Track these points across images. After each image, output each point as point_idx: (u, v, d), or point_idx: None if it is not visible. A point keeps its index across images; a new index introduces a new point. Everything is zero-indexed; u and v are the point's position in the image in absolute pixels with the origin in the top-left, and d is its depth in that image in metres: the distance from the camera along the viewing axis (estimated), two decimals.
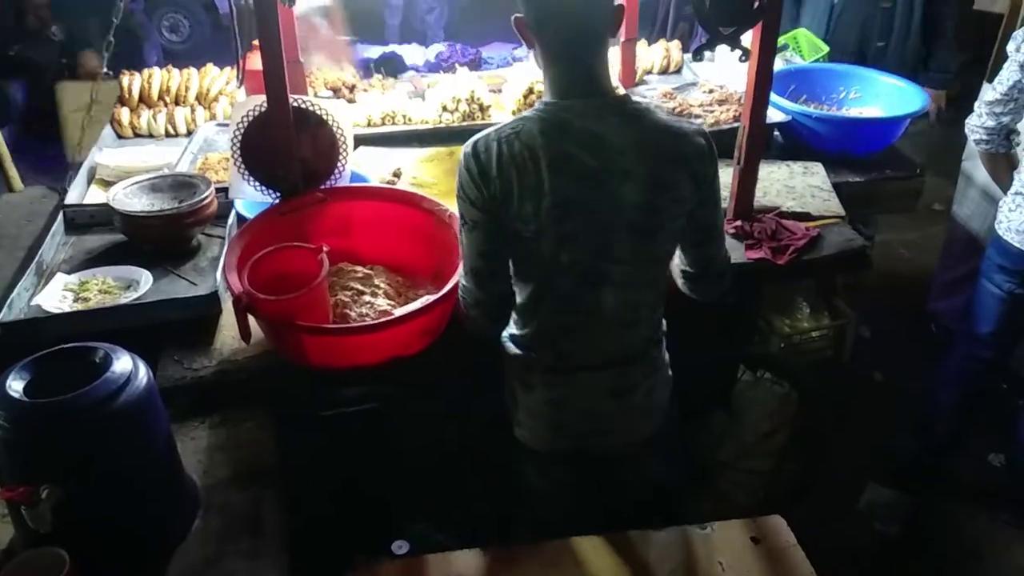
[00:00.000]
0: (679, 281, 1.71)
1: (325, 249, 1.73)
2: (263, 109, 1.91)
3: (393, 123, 2.71)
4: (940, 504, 2.76)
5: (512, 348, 1.67)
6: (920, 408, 2.76)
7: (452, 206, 1.96)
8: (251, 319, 1.66)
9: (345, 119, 2.03)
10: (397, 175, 2.50)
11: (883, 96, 2.74)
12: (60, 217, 2.21)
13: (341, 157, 2.03)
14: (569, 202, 1.45)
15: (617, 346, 1.62)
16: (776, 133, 2.67)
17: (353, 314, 1.81)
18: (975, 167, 2.88)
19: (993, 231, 2.45)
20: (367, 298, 1.86)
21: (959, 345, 2.64)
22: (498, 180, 1.44)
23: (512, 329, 1.67)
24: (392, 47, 3.74)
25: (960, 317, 2.63)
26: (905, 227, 3.95)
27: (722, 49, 1.96)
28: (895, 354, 3.22)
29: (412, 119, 2.72)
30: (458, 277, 1.65)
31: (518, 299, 1.61)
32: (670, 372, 1.75)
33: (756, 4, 1.88)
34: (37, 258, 2.00)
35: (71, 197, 2.33)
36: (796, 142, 2.63)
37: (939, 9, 3.20)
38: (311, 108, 1.97)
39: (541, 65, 1.50)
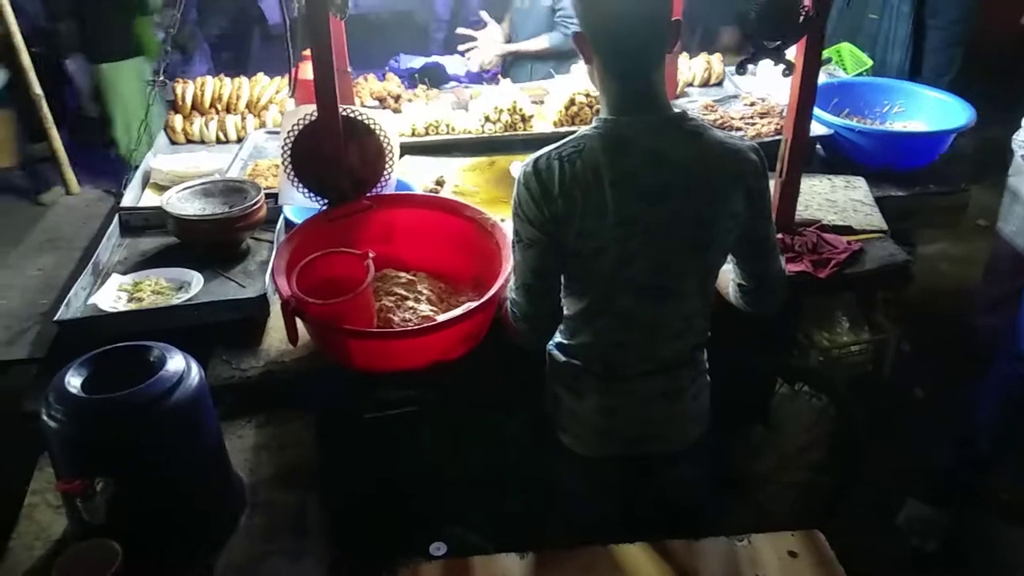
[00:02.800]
0: (735, 295, 1.72)
1: (371, 255, 1.77)
2: (313, 118, 1.95)
3: (437, 133, 2.76)
4: (978, 521, 2.72)
5: (560, 356, 1.69)
6: (960, 425, 2.72)
7: (494, 214, 2.00)
8: (299, 322, 1.71)
9: (392, 129, 2.07)
10: (440, 183, 2.54)
11: (927, 110, 2.72)
12: (116, 219, 2.29)
13: (387, 166, 2.07)
14: (632, 220, 1.46)
15: (668, 353, 1.65)
16: (818, 147, 2.66)
17: (396, 319, 1.85)
18: (1021, 183, 2.84)
19: None
20: (410, 303, 1.89)
21: (1001, 363, 2.60)
22: (560, 200, 1.44)
23: (560, 338, 1.68)
24: (435, 57, 3.79)
25: (1003, 334, 2.58)
26: (947, 242, 3.90)
27: (764, 62, 1.97)
28: (936, 370, 3.17)
29: (455, 129, 2.77)
30: (505, 289, 1.68)
31: (570, 311, 1.62)
32: (709, 377, 1.76)
33: (802, 18, 1.89)
34: (93, 259, 2.08)
35: (126, 200, 2.41)
36: (838, 156, 2.62)
37: (931, 21, 3.22)
38: (359, 118, 2.01)
39: (598, 80, 1.50)
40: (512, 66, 3.65)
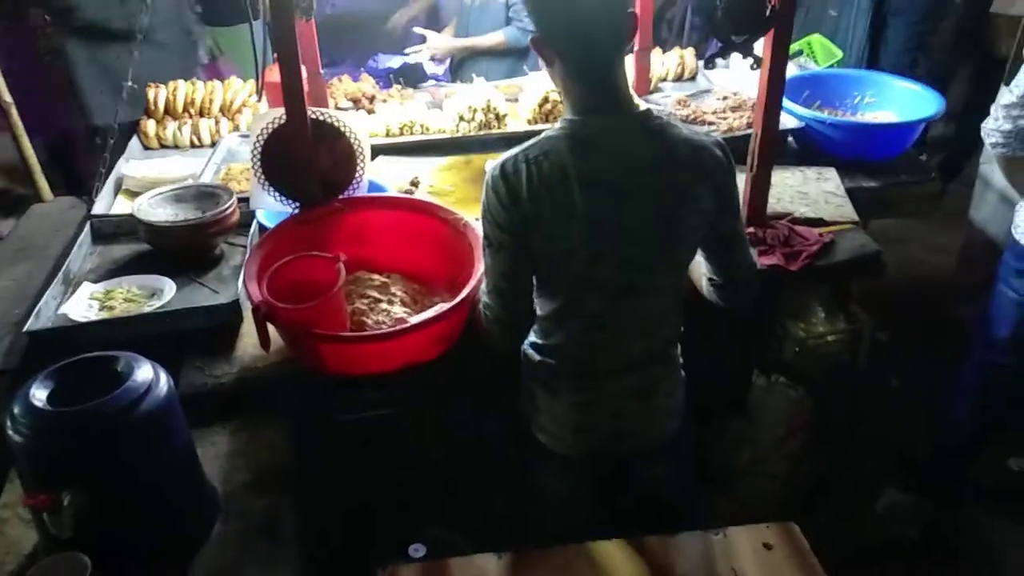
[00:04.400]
0: (707, 290, 1.73)
1: (342, 258, 1.77)
2: (282, 121, 1.95)
3: (411, 133, 2.75)
4: (960, 509, 2.75)
5: (534, 355, 1.70)
6: (938, 413, 2.75)
7: (469, 214, 2.00)
8: (271, 327, 1.70)
9: (362, 130, 2.07)
10: (415, 184, 2.54)
11: (898, 101, 2.73)
12: (87, 227, 2.27)
13: (359, 167, 2.07)
14: (601, 220, 1.47)
15: (641, 350, 1.65)
16: (790, 139, 2.67)
17: (370, 321, 1.85)
18: (992, 171, 2.86)
19: (1010, 235, 2.44)
20: (384, 306, 1.89)
21: (977, 351, 2.63)
22: (529, 202, 1.44)
23: (534, 338, 1.69)
24: (409, 58, 3.78)
25: (978, 323, 2.61)
26: (924, 231, 3.93)
27: (736, 56, 1.98)
28: (913, 359, 3.20)
29: (430, 129, 2.76)
30: (479, 291, 1.68)
31: (542, 311, 1.62)
32: (683, 372, 1.77)
33: (768, 12, 1.90)
34: (64, 267, 2.06)
35: (98, 208, 2.39)
36: (810, 148, 2.63)
37: (892, 19, 3.26)
38: (329, 120, 2.01)
39: (560, 81, 1.50)
40: (463, 65, 3.64)
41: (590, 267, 1.51)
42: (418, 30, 3.66)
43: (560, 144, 1.45)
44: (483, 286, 1.62)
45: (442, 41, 3.58)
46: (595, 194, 1.45)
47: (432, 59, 3.58)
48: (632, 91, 1.53)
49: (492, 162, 2.51)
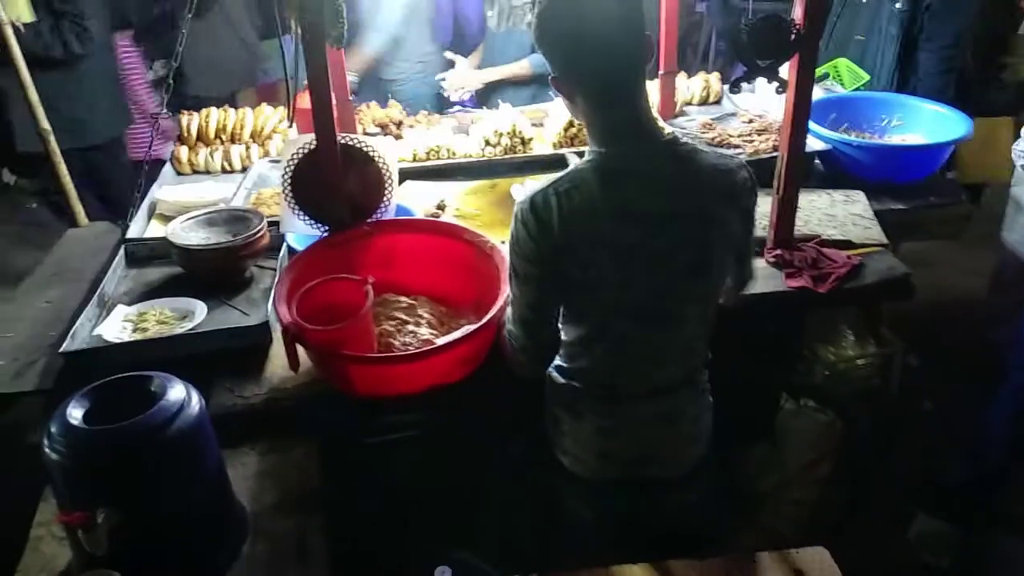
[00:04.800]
0: None
1: (370, 281, 1.79)
2: (312, 147, 1.98)
3: (438, 158, 2.78)
4: (991, 537, 2.69)
5: (559, 378, 1.70)
6: (971, 439, 2.71)
7: (495, 237, 2.02)
8: (300, 348, 1.72)
9: (390, 155, 2.10)
10: (442, 208, 2.56)
11: (925, 123, 2.72)
12: (121, 251, 2.32)
13: (387, 192, 2.09)
14: (632, 249, 1.47)
15: (668, 376, 1.65)
16: (817, 162, 2.67)
17: (397, 343, 1.86)
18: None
19: None
20: (410, 327, 1.91)
21: (1011, 375, 2.59)
22: (560, 234, 1.44)
23: (559, 361, 1.69)
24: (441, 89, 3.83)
25: (1011, 346, 2.57)
26: (955, 255, 3.88)
27: (762, 80, 1.99)
28: (945, 383, 3.15)
29: (456, 153, 2.79)
30: (504, 316, 1.69)
31: (568, 336, 1.62)
32: (711, 398, 1.76)
33: (793, 36, 1.91)
34: (99, 290, 2.11)
35: (132, 232, 2.43)
36: (838, 171, 2.62)
37: (926, 44, 3.25)
38: (358, 145, 2.04)
39: (583, 115, 1.51)
40: (489, 94, 3.65)
41: (620, 295, 1.51)
42: (448, 55, 3.70)
43: (589, 176, 1.45)
44: (508, 314, 1.62)
45: (470, 77, 3.61)
46: (626, 224, 1.45)
47: (459, 102, 3.62)
48: (658, 115, 1.53)
49: (520, 194, 2.54)
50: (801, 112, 2.02)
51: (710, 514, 1.86)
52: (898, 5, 3.26)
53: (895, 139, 2.78)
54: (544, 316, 1.56)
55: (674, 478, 1.74)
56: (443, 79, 3.62)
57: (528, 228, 1.46)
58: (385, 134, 2.99)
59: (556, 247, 1.45)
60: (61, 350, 1.86)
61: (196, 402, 1.45)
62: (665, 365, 1.63)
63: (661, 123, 1.52)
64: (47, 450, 1.35)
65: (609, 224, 1.45)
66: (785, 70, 1.99)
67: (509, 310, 1.61)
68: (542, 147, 2.83)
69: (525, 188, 2.41)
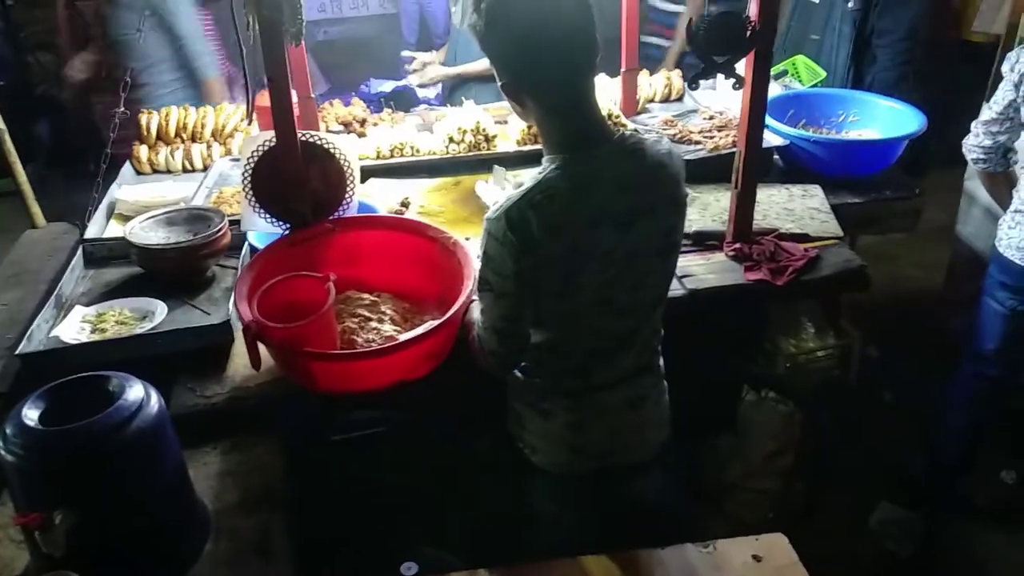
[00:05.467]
0: None
1: (332, 278, 1.78)
2: (272, 144, 1.97)
3: (402, 155, 2.78)
4: (952, 523, 2.75)
5: (522, 376, 1.71)
6: (930, 427, 2.77)
7: (460, 233, 2.02)
8: (261, 347, 1.72)
9: (352, 152, 2.09)
10: (405, 205, 2.56)
11: (881, 119, 2.78)
12: (79, 251, 2.29)
13: (349, 189, 2.09)
14: (610, 251, 1.49)
15: (632, 363, 1.68)
16: (776, 157, 2.71)
17: (360, 340, 1.86)
18: (977, 187, 2.90)
19: (994, 248, 2.47)
20: (374, 324, 1.91)
21: (966, 364, 2.65)
22: (540, 248, 1.42)
23: (526, 360, 1.69)
24: (405, 82, 3.83)
25: (967, 336, 2.64)
26: (912, 248, 3.96)
27: (722, 76, 2.02)
28: (904, 374, 3.22)
29: (420, 151, 2.79)
30: (466, 308, 1.71)
31: (541, 339, 1.61)
32: (665, 383, 1.79)
33: (748, 32, 1.94)
34: (56, 291, 2.08)
35: (90, 232, 2.40)
36: (796, 165, 2.67)
37: (877, 41, 3.32)
38: (318, 142, 2.03)
39: (537, 120, 1.49)
40: (454, 91, 3.67)
41: (598, 295, 1.53)
42: (407, 53, 3.71)
43: (560, 184, 1.43)
44: (478, 319, 1.61)
45: (433, 71, 3.63)
46: (603, 228, 1.46)
47: (422, 86, 3.63)
48: (619, 110, 1.55)
49: (484, 182, 2.57)
50: (758, 108, 2.05)
51: (674, 500, 1.89)
52: (850, 4, 3.33)
53: (851, 134, 2.83)
54: (518, 325, 1.56)
55: (641, 464, 1.77)
56: (410, 71, 3.63)
57: (507, 246, 1.42)
58: (348, 132, 2.98)
59: (538, 261, 1.44)
60: (17, 352, 1.83)
61: (155, 402, 1.44)
62: (634, 352, 1.66)
63: (618, 115, 1.54)
64: (2, 451, 1.33)
65: (589, 231, 1.45)
66: (742, 67, 2.02)
67: (479, 315, 1.60)
68: (506, 144, 2.84)
69: (489, 194, 2.43)
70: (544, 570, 1.62)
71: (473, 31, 1.46)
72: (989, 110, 2.39)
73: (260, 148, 2.00)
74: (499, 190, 2.50)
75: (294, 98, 2.21)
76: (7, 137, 2.63)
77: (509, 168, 2.71)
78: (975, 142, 2.43)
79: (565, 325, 1.59)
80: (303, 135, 1.99)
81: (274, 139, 1.95)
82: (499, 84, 1.48)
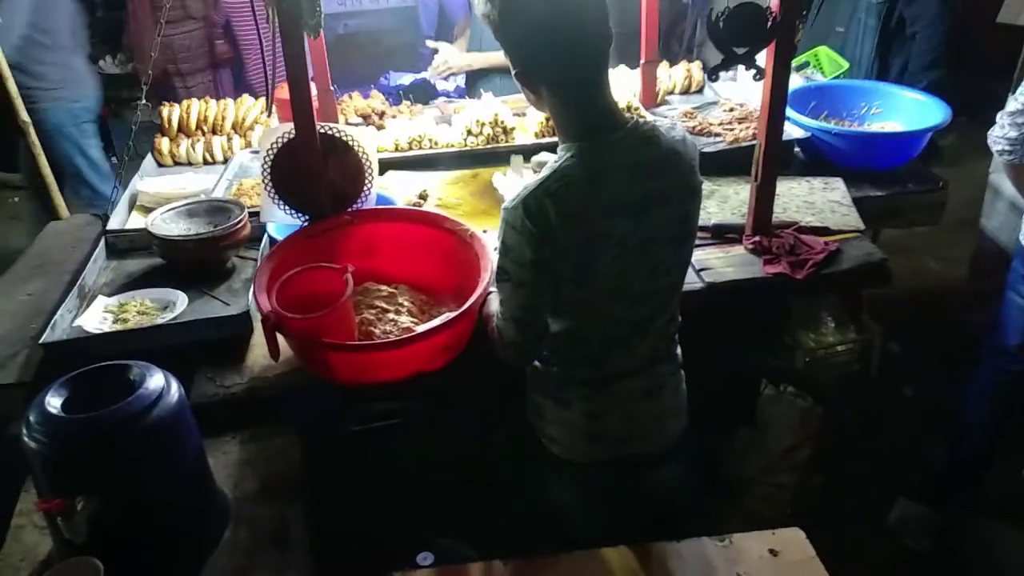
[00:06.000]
0: None
1: (350, 269, 1.79)
2: (291, 136, 1.98)
3: (420, 147, 2.78)
4: (971, 520, 2.72)
5: (541, 366, 1.71)
6: (951, 423, 2.74)
7: (478, 225, 2.03)
8: (280, 337, 1.73)
9: (370, 145, 2.10)
10: (423, 197, 2.57)
11: (904, 111, 2.74)
12: (102, 243, 2.31)
13: (367, 181, 2.10)
14: (626, 238, 1.49)
15: (651, 351, 1.68)
16: (797, 149, 2.69)
17: (378, 331, 1.87)
18: (1002, 180, 2.86)
19: (1018, 242, 2.43)
20: (391, 316, 1.92)
21: (988, 359, 2.62)
22: (561, 236, 1.43)
23: (544, 350, 1.69)
24: (424, 74, 3.83)
25: (989, 331, 2.60)
26: (935, 241, 3.92)
27: (743, 67, 2.00)
28: (925, 369, 3.18)
29: (438, 143, 2.79)
30: (483, 300, 1.72)
31: (557, 327, 1.62)
32: (683, 372, 1.79)
33: (769, 24, 1.92)
34: (80, 282, 2.11)
35: (113, 223, 2.43)
36: (817, 158, 2.64)
37: (910, 30, 3.29)
38: (337, 134, 2.04)
39: (551, 109, 1.50)
40: (477, 82, 3.65)
41: (615, 283, 1.54)
42: (431, 43, 3.70)
43: (576, 173, 1.44)
44: (497, 310, 1.61)
45: (458, 58, 3.60)
46: (619, 216, 1.47)
47: (447, 77, 3.61)
48: (638, 102, 1.55)
49: (502, 174, 2.56)
50: (778, 99, 2.03)
51: (692, 491, 1.89)
52: None
53: (874, 126, 2.79)
54: (536, 314, 1.57)
55: (660, 454, 1.77)
56: (436, 67, 3.61)
57: (525, 235, 1.43)
58: (367, 124, 2.99)
59: (556, 249, 1.44)
60: (41, 341, 1.85)
61: (175, 391, 1.46)
62: (650, 340, 1.66)
63: (637, 107, 1.54)
64: (26, 439, 1.35)
65: (605, 219, 1.46)
66: (763, 58, 2.01)
67: (498, 307, 1.60)
68: (524, 137, 2.84)
69: (506, 186, 2.43)
70: (558, 562, 1.62)
71: (487, 21, 1.46)
72: (1015, 101, 2.34)
73: (279, 140, 2.01)
74: (518, 178, 2.50)
75: (313, 91, 2.22)
76: (32, 130, 2.67)
77: (527, 161, 2.71)
78: (1000, 133, 2.39)
79: (581, 313, 1.59)
80: (322, 127, 2.00)
81: (293, 131, 1.96)
82: (513, 73, 1.48)
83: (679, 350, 1.77)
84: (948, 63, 3.30)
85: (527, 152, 2.72)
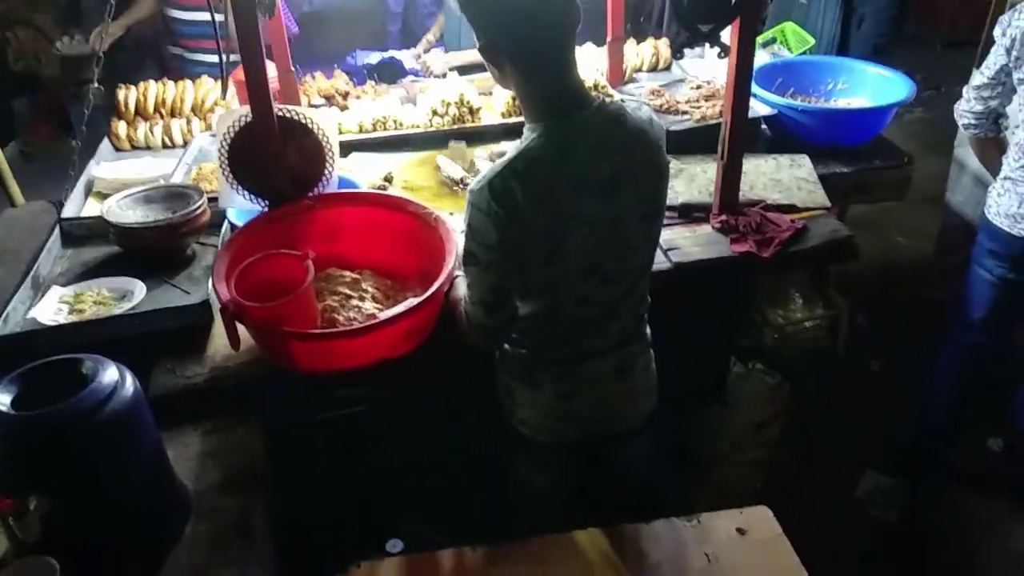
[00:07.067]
0: None
1: (311, 255, 1.76)
2: (248, 119, 1.93)
3: (384, 129, 2.74)
4: (938, 490, 2.77)
5: (510, 349, 1.70)
6: (918, 396, 2.77)
7: (442, 208, 2.00)
8: (240, 326, 1.69)
9: (329, 126, 2.06)
10: (388, 179, 2.53)
11: (870, 86, 2.74)
12: (57, 231, 2.25)
13: (328, 164, 2.05)
14: (596, 217, 1.48)
15: (620, 330, 1.67)
16: (764, 127, 2.68)
17: (341, 318, 1.84)
18: (967, 154, 2.88)
19: (983, 216, 2.45)
20: (355, 302, 1.88)
21: (954, 332, 2.65)
22: (525, 217, 1.41)
23: (514, 332, 1.67)
24: (392, 53, 3.77)
25: (955, 304, 2.63)
26: (901, 216, 3.94)
27: (708, 45, 1.99)
28: (893, 343, 3.22)
29: (403, 124, 2.75)
30: (448, 284, 1.70)
31: (528, 310, 1.60)
32: (652, 351, 1.79)
33: (732, 0, 1.90)
34: (33, 271, 2.05)
35: (68, 211, 2.36)
36: (784, 135, 2.63)
37: (861, 8, 3.31)
38: (295, 117, 1.99)
39: (516, 88, 1.48)
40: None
41: (585, 262, 1.52)
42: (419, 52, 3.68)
43: (542, 152, 1.43)
44: (465, 294, 1.60)
45: (435, 61, 3.54)
46: (586, 194, 1.45)
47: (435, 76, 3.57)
48: (605, 80, 1.53)
49: (445, 156, 2.53)
50: (743, 77, 2.02)
51: (665, 471, 1.89)
52: None
53: (840, 103, 2.79)
54: (504, 297, 1.55)
55: (630, 432, 1.77)
56: (420, 57, 3.57)
57: (492, 216, 1.41)
58: (331, 105, 2.94)
59: (523, 230, 1.43)
60: None
61: (130, 384, 1.42)
62: (621, 320, 1.65)
63: (604, 86, 1.52)
64: None
65: (572, 198, 1.44)
66: (728, 35, 1.99)
67: (466, 291, 1.59)
68: (491, 116, 2.80)
69: (448, 166, 2.40)
70: (529, 545, 1.61)
71: None
72: (981, 75, 2.35)
73: (236, 123, 1.96)
74: (457, 167, 2.48)
75: (272, 72, 2.17)
76: None
77: (493, 141, 2.68)
78: (966, 107, 2.40)
79: (551, 294, 1.58)
80: (279, 110, 1.95)
81: (249, 114, 1.91)
82: (477, 46, 1.46)
83: (648, 329, 1.76)
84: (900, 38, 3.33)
85: (493, 132, 2.69)
